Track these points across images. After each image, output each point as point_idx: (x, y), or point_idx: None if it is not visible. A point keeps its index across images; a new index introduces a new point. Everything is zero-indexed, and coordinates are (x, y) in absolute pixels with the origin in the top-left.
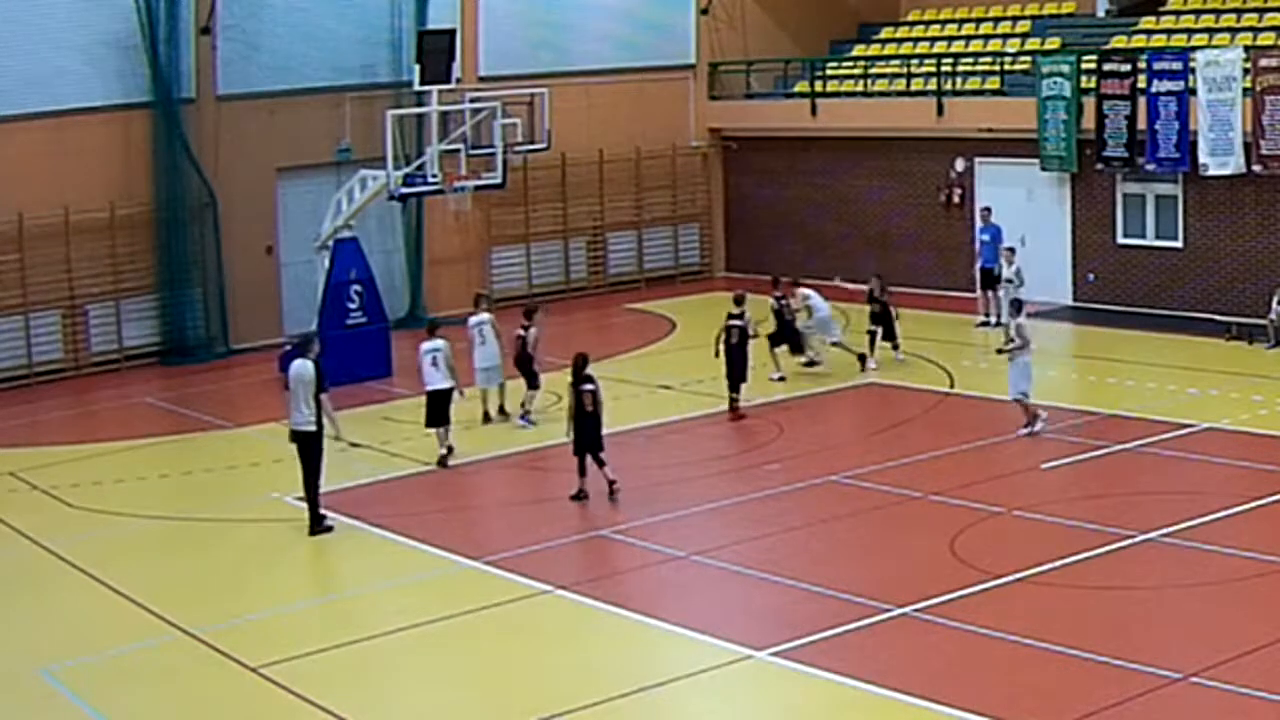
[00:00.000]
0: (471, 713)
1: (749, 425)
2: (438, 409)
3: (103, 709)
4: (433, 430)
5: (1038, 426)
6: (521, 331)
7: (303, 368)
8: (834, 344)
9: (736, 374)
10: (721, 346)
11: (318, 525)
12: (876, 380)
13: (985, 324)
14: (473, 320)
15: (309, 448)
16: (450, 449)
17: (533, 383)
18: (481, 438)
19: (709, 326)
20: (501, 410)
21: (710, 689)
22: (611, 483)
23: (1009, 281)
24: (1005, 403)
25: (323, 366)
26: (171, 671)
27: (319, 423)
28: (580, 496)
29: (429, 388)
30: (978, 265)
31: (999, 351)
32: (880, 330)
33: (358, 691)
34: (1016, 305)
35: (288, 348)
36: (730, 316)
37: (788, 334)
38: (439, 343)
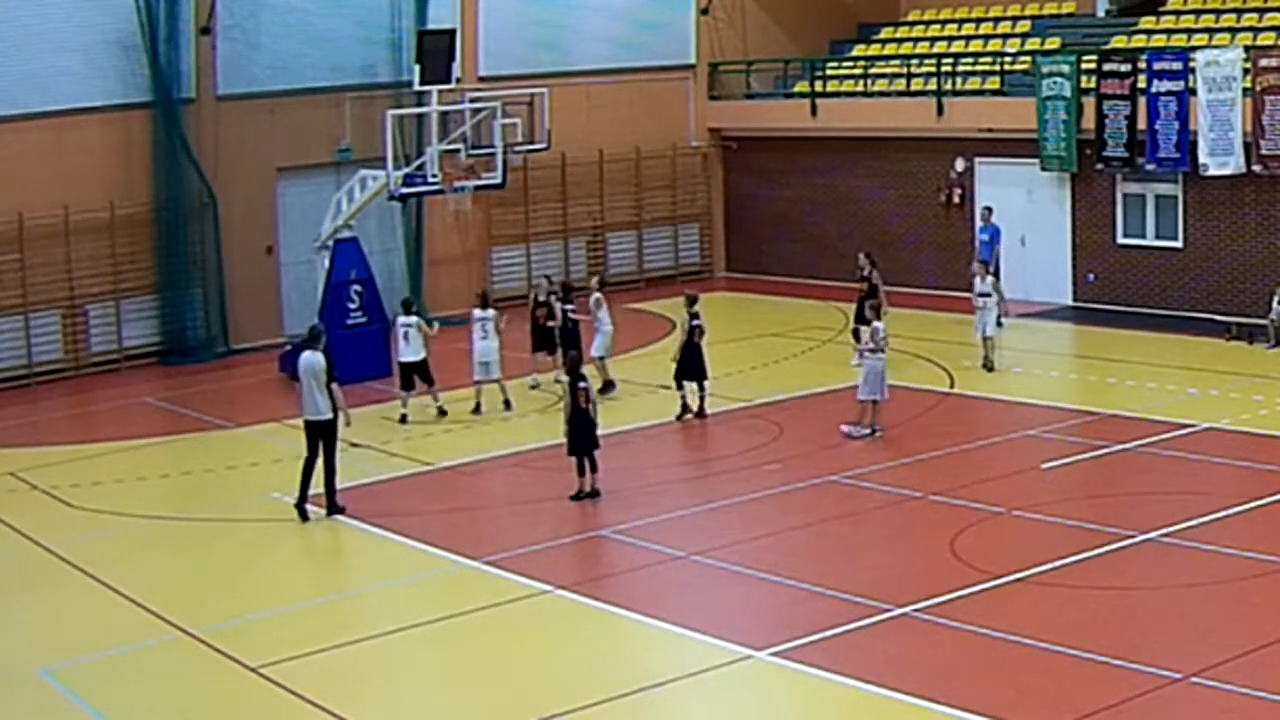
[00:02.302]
0: (471, 713)
1: (749, 425)
2: (407, 377)
3: (103, 709)
4: (403, 394)
5: (872, 432)
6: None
7: (312, 359)
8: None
9: (699, 372)
10: (679, 348)
11: (334, 507)
12: None
13: None
14: (476, 314)
15: (327, 436)
16: (405, 416)
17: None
18: (482, 437)
19: (710, 327)
20: (506, 404)
21: (710, 689)
22: (595, 491)
23: (985, 295)
24: (1006, 403)
25: (331, 357)
26: (171, 671)
27: (334, 412)
28: (580, 496)
29: (400, 359)
30: (976, 265)
31: (860, 351)
32: (864, 320)
33: (358, 691)
34: (876, 308)
35: (289, 348)
36: (692, 317)
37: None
38: (412, 319)
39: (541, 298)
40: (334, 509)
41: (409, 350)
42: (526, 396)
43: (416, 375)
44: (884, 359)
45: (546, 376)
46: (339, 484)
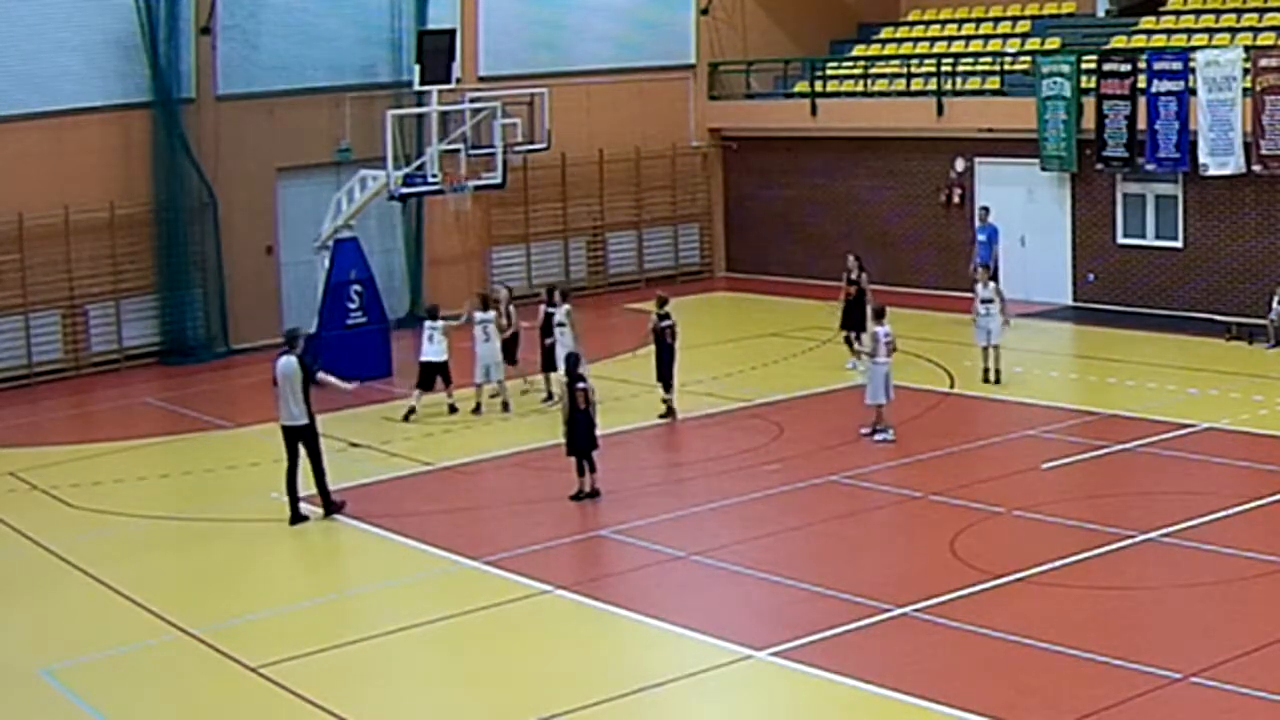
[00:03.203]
0: (471, 713)
1: (749, 425)
2: (428, 377)
3: (103, 709)
4: (418, 390)
5: (891, 435)
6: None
7: (288, 364)
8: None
9: (669, 372)
10: (652, 347)
11: (331, 506)
12: None
13: None
14: (478, 316)
15: (307, 441)
16: (413, 410)
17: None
18: (482, 437)
19: (710, 327)
20: (505, 406)
21: (710, 689)
22: (595, 491)
23: (987, 302)
24: (1006, 403)
25: (308, 360)
26: (171, 671)
27: (310, 416)
28: (580, 496)
29: (422, 358)
30: (973, 265)
31: (861, 357)
32: (845, 325)
33: (358, 691)
34: (878, 311)
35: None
36: (661, 318)
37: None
38: (438, 323)
39: (503, 309)
40: (331, 508)
41: (433, 350)
42: (529, 398)
43: (439, 375)
44: (888, 363)
45: (514, 384)
46: (332, 485)
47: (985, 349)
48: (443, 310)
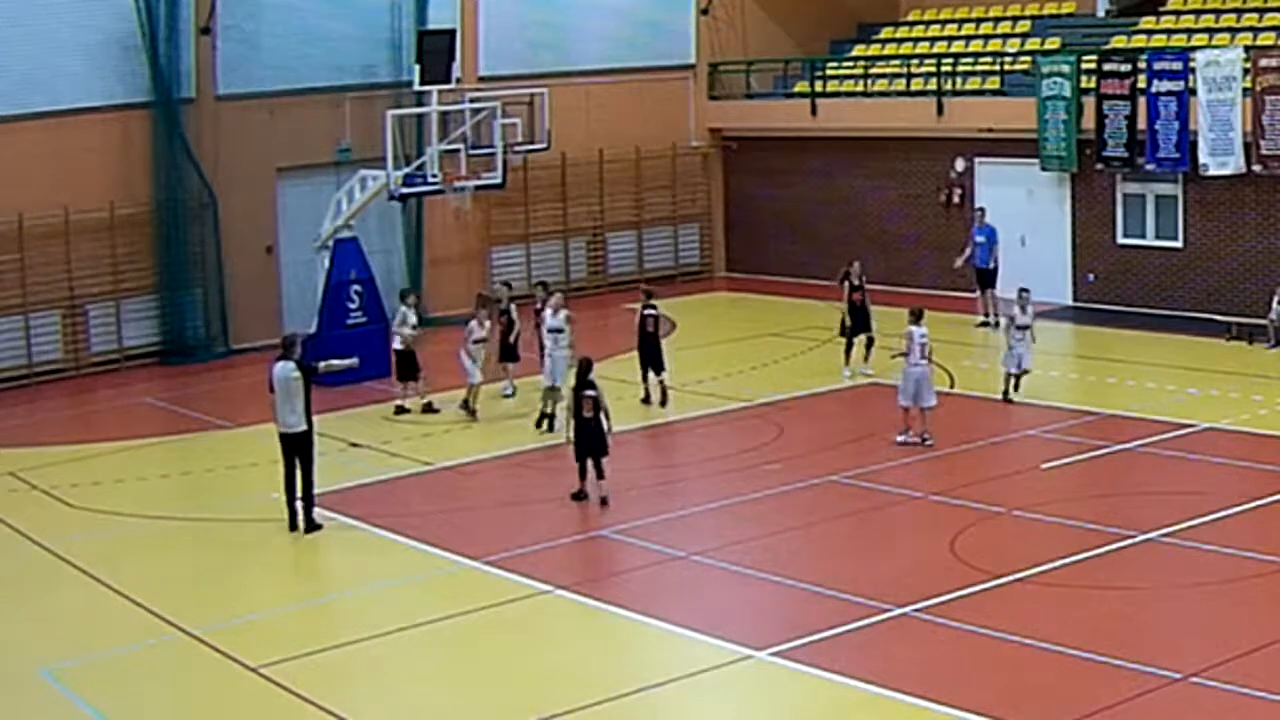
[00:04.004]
0: (471, 713)
1: (749, 425)
2: (398, 368)
3: (103, 709)
4: (399, 385)
5: (909, 437)
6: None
7: (285, 370)
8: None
9: (656, 361)
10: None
11: (311, 524)
12: (877, 380)
13: (985, 324)
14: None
15: (301, 448)
16: (403, 408)
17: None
18: (482, 438)
19: (710, 327)
20: (471, 411)
21: (710, 689)
22: (603, 497)
23: (1023, 328)
24: (1006, 403)
25: (306, 363)
26: (171, 671)
27: (309, 423)
28: (580, 496)
29: (394, 349)
30: (969, 264)
31: (893, 356)
32: (855, 331)
33: (358, 691)
34: (916, 313)
35: None
36: (645, 308)
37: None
38: (400, 310)
39: (503, 306)
40: (311, 525)
41: (396, 341)
42: (528, 400)
43: (405, 366)
44: (923, 365)
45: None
46: (332, 485)
47: (1012, 374)
48: (443, 311)
